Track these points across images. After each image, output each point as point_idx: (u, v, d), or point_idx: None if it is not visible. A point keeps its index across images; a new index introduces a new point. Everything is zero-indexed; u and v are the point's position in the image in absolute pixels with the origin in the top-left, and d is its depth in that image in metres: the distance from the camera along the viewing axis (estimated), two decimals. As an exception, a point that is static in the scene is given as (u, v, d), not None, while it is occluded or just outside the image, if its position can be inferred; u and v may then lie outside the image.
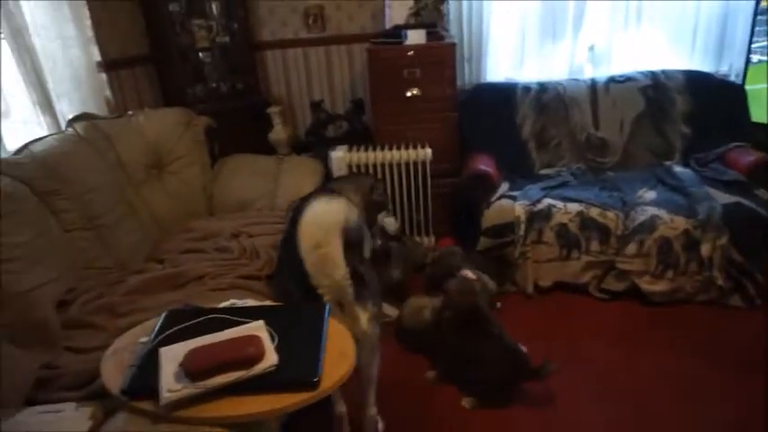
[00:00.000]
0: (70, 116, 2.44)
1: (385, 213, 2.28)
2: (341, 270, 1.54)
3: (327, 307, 1.45)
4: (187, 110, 2.85)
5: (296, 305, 1.60)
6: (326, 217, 1.61)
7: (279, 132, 3.31)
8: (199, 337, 1.29)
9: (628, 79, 3.13)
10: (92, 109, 2.59)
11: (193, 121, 2.83)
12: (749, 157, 2.73)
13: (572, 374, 2.15)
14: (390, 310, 2.62)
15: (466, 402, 2.06)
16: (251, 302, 1.55)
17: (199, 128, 2.84)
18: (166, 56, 3.23)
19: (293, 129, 3.54)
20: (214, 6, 3.35)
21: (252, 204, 2.82)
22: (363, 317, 1.61)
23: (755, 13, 2.94)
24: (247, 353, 1.22)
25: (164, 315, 1.43)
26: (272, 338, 1.30)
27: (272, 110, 3.30)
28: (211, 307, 1.50)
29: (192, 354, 1.21)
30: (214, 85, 3.42)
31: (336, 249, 1.54)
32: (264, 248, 2.30)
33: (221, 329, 1.32)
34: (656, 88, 3.07)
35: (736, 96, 3.04)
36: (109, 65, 2.79)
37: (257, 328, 1.33)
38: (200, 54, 3.38)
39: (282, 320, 1.39)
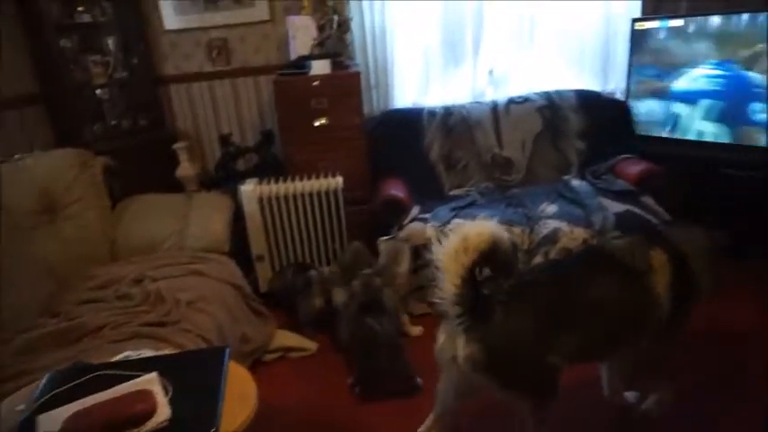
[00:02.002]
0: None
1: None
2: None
3: (228, 351, 1.40)
4: (82, 150, 2.70)
5: (194, 351, 1.54)
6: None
7: (186, 168, 3.21)
8: (83, 399, 1.20)
9: (525, 100, 3.31)
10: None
11: (89, 162, 2.69)
12: (636, 167, 2.94)
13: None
14: (309, 344, 2.58)
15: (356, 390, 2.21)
16: (147, 353, 1.47)
17: (96, 169, 2.70)
18: (59, 95, 3.06)
19: (202, 164, 3.44)
20: (110, 41, 3.23)
21: (160, 245, 2.69)
22: None
23: (632, 37, 3.21)
24: (136, 409, 1.15)
25: (45, 378, 1.32)
26: (166, 391, 1.23)
27: (178, 145, 3.20)
28: (101, 363, 1.41)
29: (74, 418, 1.13)
30: (114, 122, 3.28)
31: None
32: (170, 292, 2.20)
33: (110, 386, 1.24)
34: (551, 108, 3.26)
35: (622, 112, 3.28)
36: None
37: (149, 381, 1.26)
38: (98, 91, 3.23)
39: (179, 369, 1.33)
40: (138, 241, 2.69)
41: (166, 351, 1.53)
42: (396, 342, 2.29)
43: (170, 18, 3.30)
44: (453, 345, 1.56)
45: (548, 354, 1.55)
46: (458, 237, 1.49)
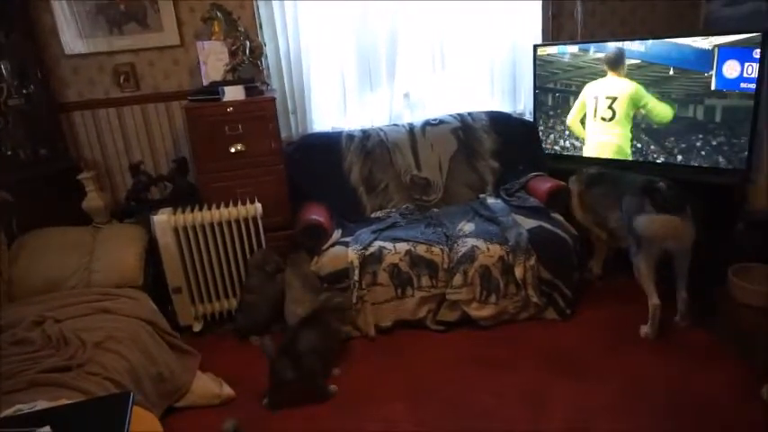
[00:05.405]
0: None
1: None
2: None
3: (131, 397, 1.32)
4: (-30, 185, 2.50)
5: (93, 400, 1.44)
6: None
7: (94, 199, 3.03)
8: (-37, 464, 1.09)
9: (441, 122, 3.41)
10: None
11: (-20, 198, 2.49)
12: (546, 184, 3.08)
13: (427, 404, 2.25)
14: (227, 391, 2.38)
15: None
16: (41, 404, 1.36)
17: (-12, 205, 2.50)
18: (-56, 125, 2.82)
19: (112, 194, 3.27)
20: (2, 67, 3.02)
21: (64, 283, 2.54)
22: None
23: (535, 60, 3.40)
24: (25, 472, 1.05)
25: None
26: (62, 446, 1.14)
27: (84, 176, 3.02)
28: (-12, 420, 1.29)
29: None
30: (10, 152, 3.05)
31: None
32: (75, 333, 2.06)
33: (-3, 447, 1.13)
34: (465, 129, 3.37)
35: (531, 132, 3.46)
36: None
37: (42, 437, 1.16)
38: (-10, 120, 3.01)
39: (76, 421, 1.24)
40: (38, 280, 2.51)
41: (64, 400, 1.42)
42: (311, 354, 2.29)
43: (72, 42, 3.13)
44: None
45: None
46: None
